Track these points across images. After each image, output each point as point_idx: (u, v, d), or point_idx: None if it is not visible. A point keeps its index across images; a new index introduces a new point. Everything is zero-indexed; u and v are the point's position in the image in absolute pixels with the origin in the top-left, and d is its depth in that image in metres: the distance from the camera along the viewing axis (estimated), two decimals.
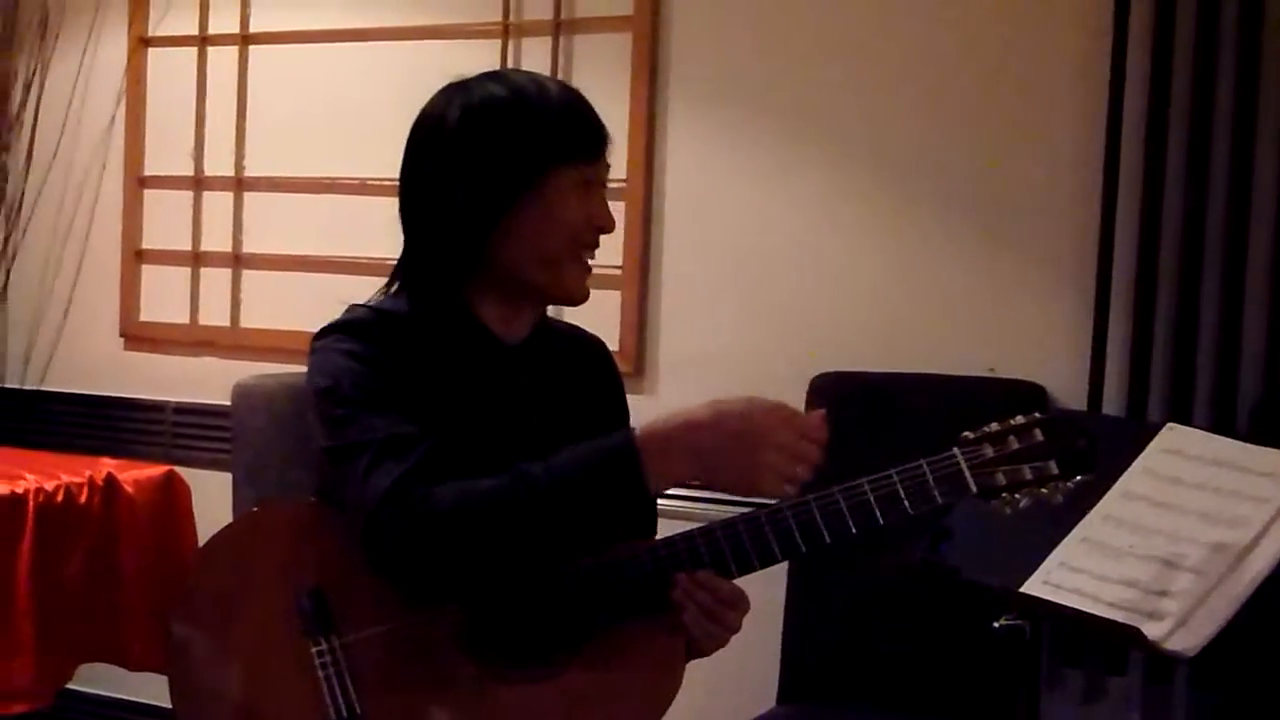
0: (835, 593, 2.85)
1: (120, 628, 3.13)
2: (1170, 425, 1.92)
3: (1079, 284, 2.90)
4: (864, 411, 2.96)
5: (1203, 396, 2.80)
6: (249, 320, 3.79)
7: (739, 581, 1.71)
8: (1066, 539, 1.82)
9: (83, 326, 4.00)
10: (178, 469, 3.35)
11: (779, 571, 2.48)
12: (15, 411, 3.99)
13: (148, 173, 3.91)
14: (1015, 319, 2.98)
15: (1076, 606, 1.74)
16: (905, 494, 1.64)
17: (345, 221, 3.62)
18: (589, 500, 1.60)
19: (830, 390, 2.99)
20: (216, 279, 3.83)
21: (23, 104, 3.96)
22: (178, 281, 3.87)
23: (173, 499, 3.26)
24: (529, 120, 1.76)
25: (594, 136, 1.80)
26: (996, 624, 1.91)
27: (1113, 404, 2.85)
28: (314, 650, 1.68)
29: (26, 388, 4.03)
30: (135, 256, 3.92)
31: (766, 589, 2.02)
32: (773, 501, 1.66)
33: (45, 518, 2.99)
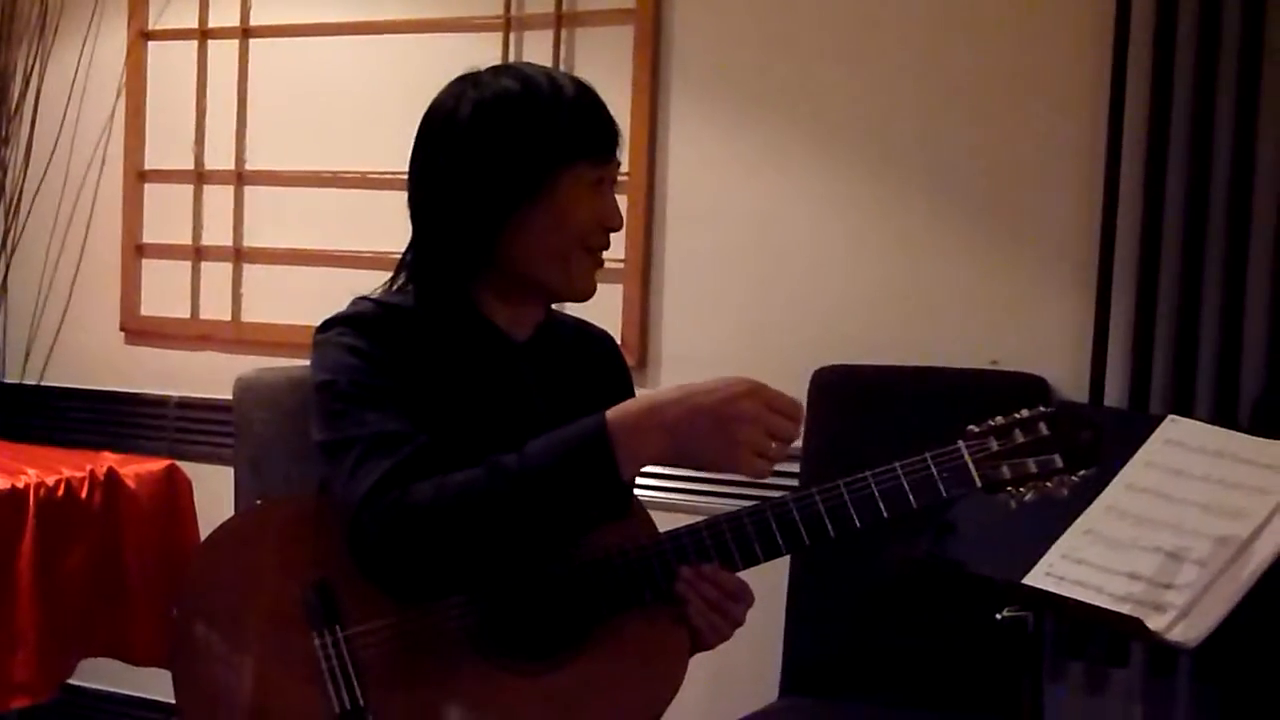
0: (838, 586, 2.85)
1: (122, 622, 3.13)
2: (1172, 417, 1.92)
3: (1081, 276, 2.90)
4: (866, 404, 2.96)
5: (1204, 389, 2.80)
6: (250, 314, 3.78)
7: (742, 575, 1.71)
8: (1069, 530, 1.81)
9: (83, 321, 4.00)
10: (179, 463, 3.35)
11: (781, 564, 2.48)
12: (16, 406, 3.99)
13: (148, 166, 3.91)
14: (1017, 312, 2.98)
15: (1079, 598, 1.73)
16: (910, 487, 1.64)
17: (346, 215, 3.62)
18: (563, 486, 1.59)
19: (833, 383, 3.00)
20: (217, 273, 3.83)
21: (22, 97, 3.96)
22: (179, 276, 3.87)
23: (174, 493, 3.26)
24: (542, 118, 1.74)
25: (606, 136, 1.79)
26: (999, 616, 1.91)
27: (1115, 396, 2.85)
28: (317, 643, 1.68)
29: (27, 383, 4.03)
30: (136, 251, 3.92)
31: (769, 581, 2.02)
32: (762, 485, 1.65)
33: (47, 512, 2.99)
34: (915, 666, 2.79)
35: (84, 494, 3.09)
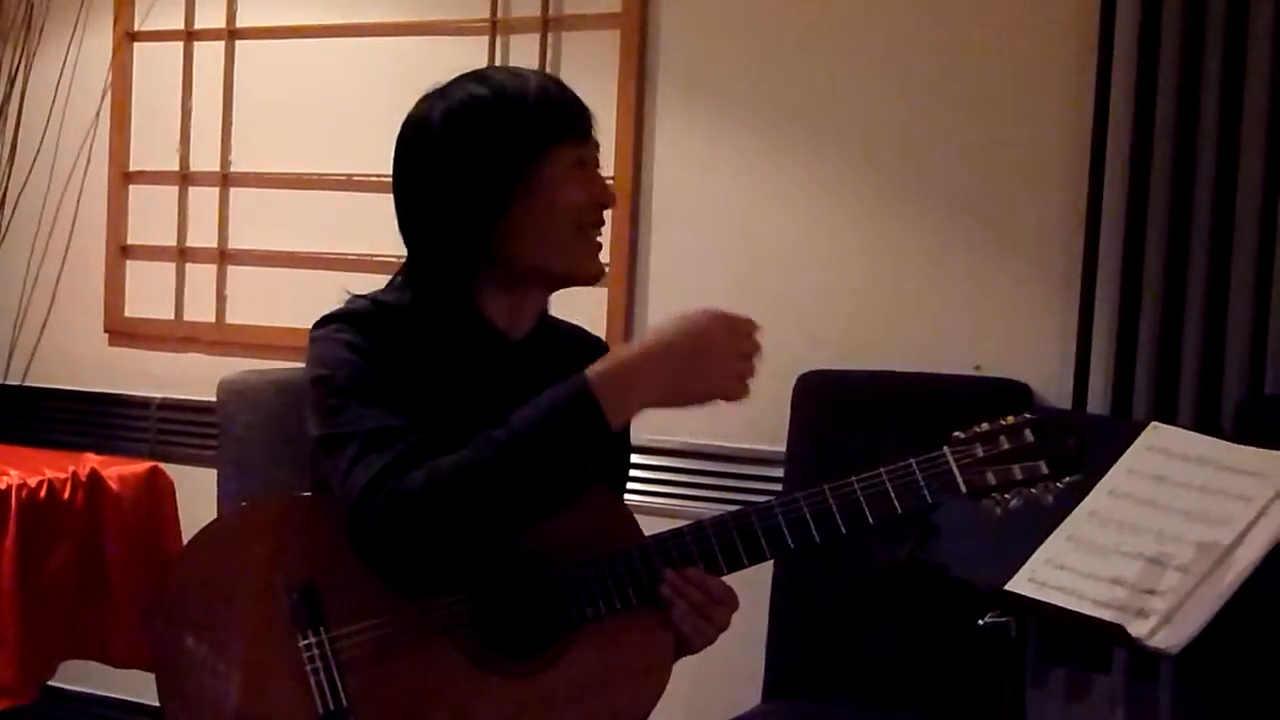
0: (821, 590, 2.85)
1: (104, 624, 3.12)
2: (1155, 424, 1.92)
3: (1065, 282, 2.91)
4: (850, 409, 2.97)
5: (1187, 395, 2.81)
6: (235, 316, 3.78)
7: (727, 579, 1.71)
8: (1052, 536, 1.82)
9: (67, 322, 3.99)
10: (162, 465, 3.35)
11: (765, 568, 2.48)
12: None
13: (133, 168, 3.90)
14: (1001, 317, 2.99)
15: (1061, 604, 1.74)
16: (895, 493, 1.65)
17: (332, 217, 3.62)
18: (554, 448, 1.61)
19: (817, 388, 3.00)
20: (202, 275, 3.82)
21: (7, 98, 3.95)
22: (163, 277, 3.86)
23: (157, 495, 3.26)
24: (512, 110, 1.76)
25: (579, 116, 1.80)
26: (981, 621, 1.92)
27: (1098, 402, 2.86)
28: (302, 644, 1.68)
29: (10, 383, 4.02)
30: (120, 252, 3.91)
31: (753, 585, 2.03)
32: (748, 491, 1.66)
33: (29, 514, 2.98)
34: (898, 671, 2.79)
35: (66, 495, 3.08)
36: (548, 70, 3.32)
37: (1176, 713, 2.83)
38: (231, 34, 3.77)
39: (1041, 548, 1.81)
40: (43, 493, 3.03)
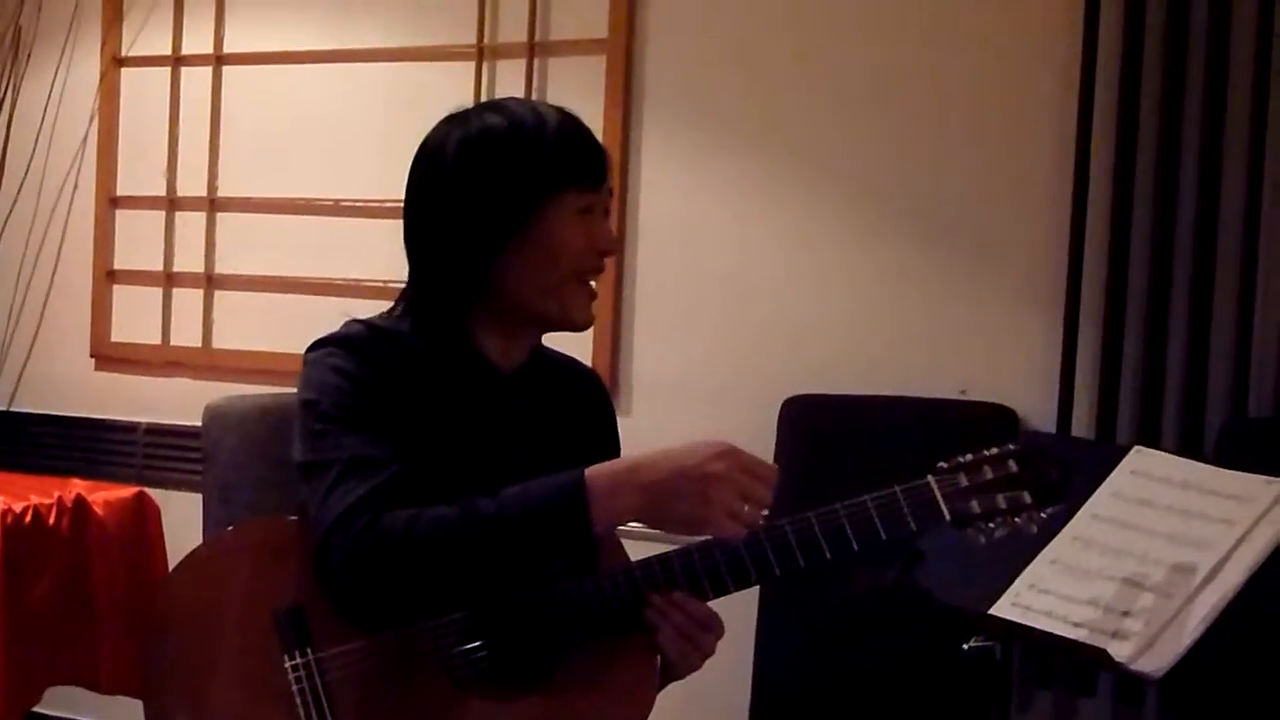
0: (807, 614, 2.85)
1: (90, 650, 3.11)
2: (1138, 448, 1.93)
3: (1049, 307, 2.93)
4: (836, 433, 2.98)
5: (1170, 419, 2.82)
6: (221, 341, 3.78)
7: (713, 604, 1.71)
8: (1035, 561, 1.83)
9: (53, 346, 3.98)
10: (148, 490, 3.34)
11: (751, 593, 2.48)
12: None
13: (120, 193, 3.90)
14: (986, 342, 3.00)
15: (1045, 628, 1.74)
16: (879, 520, 1.65)
17: (319, 242, 3.62)
18: (534, 536, 1.60)
19: (802, 412, 3.01)
20: (189, 299, 3.82)
21: None
22: (150, 302, 3.86)
23: (143, 520, 3.25)
24: (525, 150, 1.75)
25: (592, 163, 1.79)
26: (966, 646, 1.92)
27: (1082, 426, 2.87)
28: (288, 665, 1.68)
29: None
30: (107, 277, 3.91)
31: (738, 610, 2.03)
32: None
33: (14, 539, 2.97)
34: (884, 695, 2.79)
35: (52, 521, 3.07)
36: (534, 96, 3.33)
37: None
38: (219, 59, 3.78)
39: (1025, 572, 1.81)
40: (28, 518, 3.02)
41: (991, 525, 1.66)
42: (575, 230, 1.77)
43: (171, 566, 1.89)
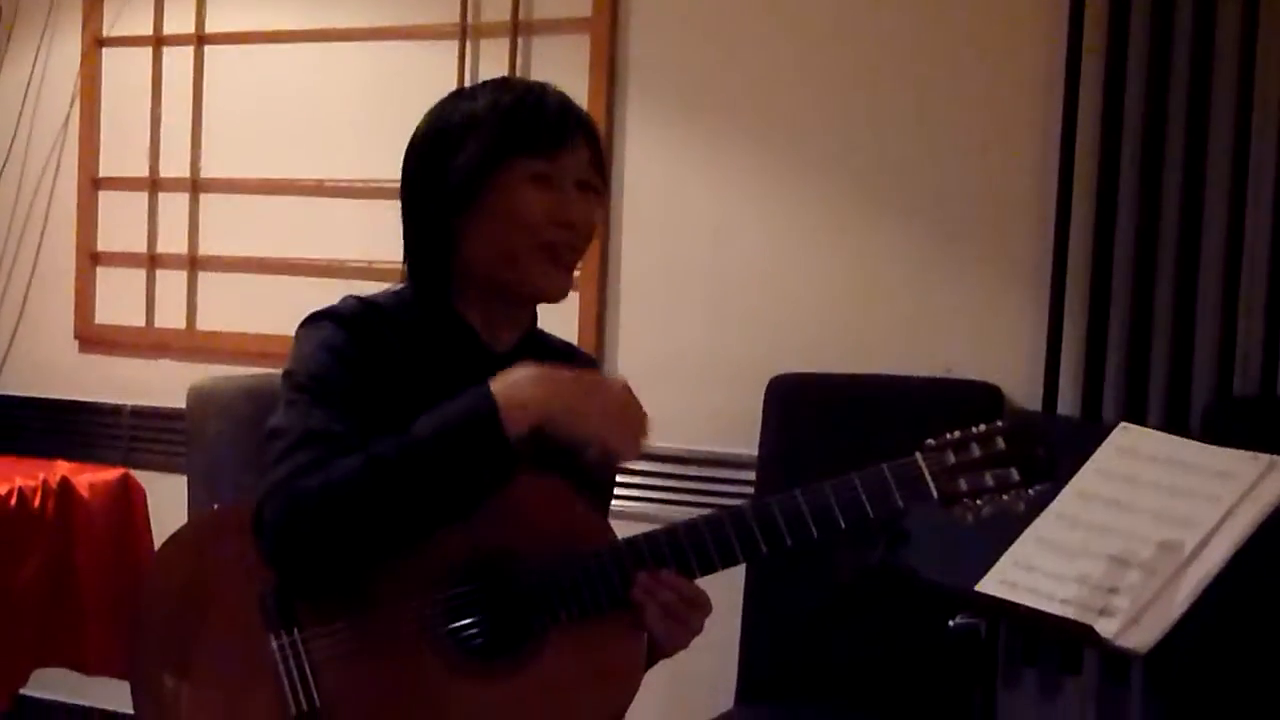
0: (793, 593, 2.86)
1: (76, 632, 3.11)
2: (1124, 425, 1.93)
3: (1034, 286, 2.93)
4: (821, 412, 2.98)
5: (1156, 396, 2.83)
6: (205, 323, 3.77)
7: (700, 582, 1.71)
8: (1021, 538, 1.83)
9: (37, 329, 3.97)
10: (133, 472, 3.33)
11: (737, 572, 2.49)
12: None
13: (103, 174, 3.89)
14: (971, 320, 3.00)
15: (1030, 604, 1.75)
16: (867, 498, 1.65)
17: (302, 223, 3.61)
18: (450, 450, 1.60)
19: (788, 391, 3.01)
20: (172, 281, 3.81)
21: None
22: (133, 284, 3.84)
23: (128, 502, 3.25)
24: (476, 118, 1.77)
25: (548, 129, 1.78)
26: (951, 623, 1.92)
27: (1067, 404, 2.88)
28: (274, 644, 1.68)
29: None
30: (90, 259, 3.89)
31: (725, 590, 2.03)
32: (720, 495, 1.67)
33: None
34: (870, 674, 2.80)
35: (37, 503, 3.07)
36: (517, 75, 3.32)
37: (1147, 716, 2.84)
38: (200, 39, 3.76)
39: (1010, 549, 1.81)
40: (13, 500, 3.01)
41: (979, 503, 1.66)
42: (529, 198, 1.76)
43: (157, 548, 1.88)
